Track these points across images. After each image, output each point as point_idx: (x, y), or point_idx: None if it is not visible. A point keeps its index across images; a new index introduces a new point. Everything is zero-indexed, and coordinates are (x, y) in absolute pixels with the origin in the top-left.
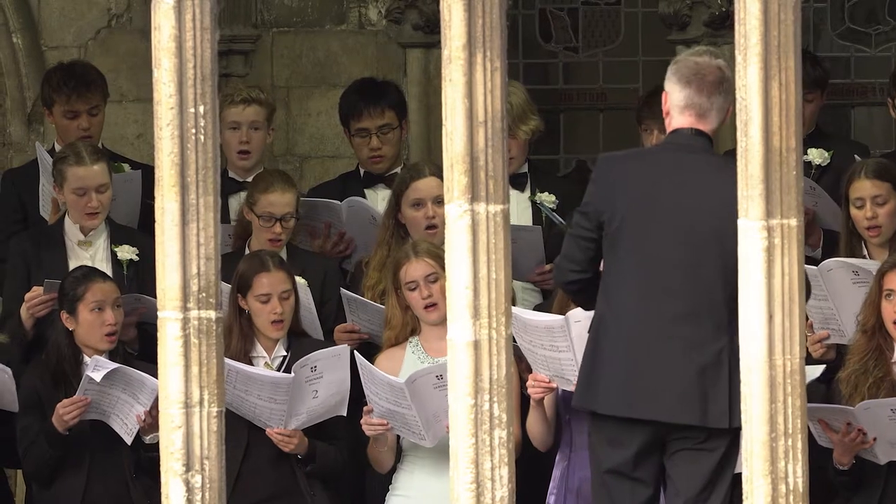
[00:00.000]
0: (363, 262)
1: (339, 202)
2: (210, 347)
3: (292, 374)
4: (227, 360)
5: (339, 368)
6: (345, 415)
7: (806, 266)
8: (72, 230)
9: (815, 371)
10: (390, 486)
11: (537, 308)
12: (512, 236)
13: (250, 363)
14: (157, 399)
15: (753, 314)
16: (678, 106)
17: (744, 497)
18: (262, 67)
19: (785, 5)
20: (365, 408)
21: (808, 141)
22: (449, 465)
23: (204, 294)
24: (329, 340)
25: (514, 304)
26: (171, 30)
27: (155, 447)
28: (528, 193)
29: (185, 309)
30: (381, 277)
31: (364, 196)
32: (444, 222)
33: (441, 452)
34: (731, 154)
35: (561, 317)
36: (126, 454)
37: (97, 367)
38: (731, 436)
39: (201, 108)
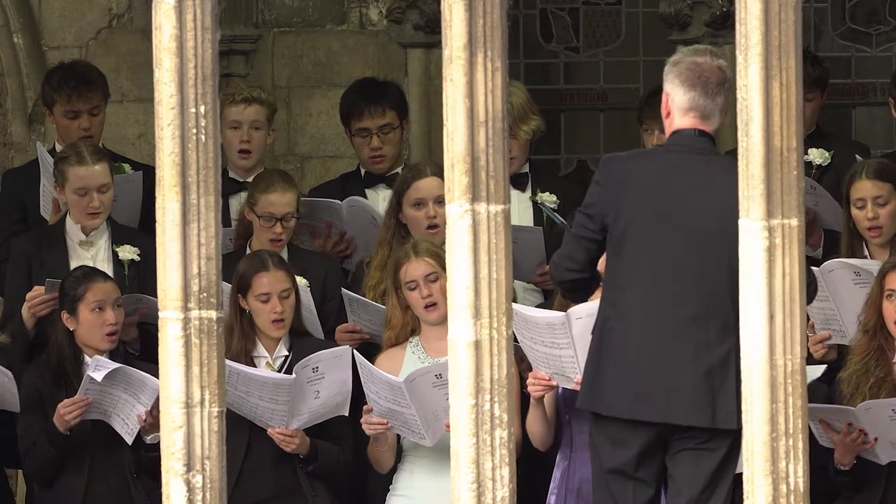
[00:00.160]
0: (364, 262)
1: (339, 201)
2: (211, 347)
3: (293, 374)
4: (228, 362)
5: (340, 369)
6: (347, 415)
7: (814, 268)
8: (73, 230)
9: (817, 371)
10: (391, 487)
11: (537, 308)
12: (513, 236)
13: (252, 363)
14: (158, 399)
15: (754, 314)
16: (682, 108)
17: (745, 497)
18: (263, 67)
19: (786, 5)
20: (365, 407)
21: (809, 141)
22: (449, 465)
23: (205, 294)
24: (330, 340)
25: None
26: (172, 30)
27: (156, 447)
28: (529, 193)
29: (185, 309)
30: (383, 277)
31: (365, 196)
32: (446, 222)
33: (441, 452)
34: (733, 154)
35: (562, 313)
36: (127, 454)
37: (98, 367)
38: (734, 436)
39: (202, 108)
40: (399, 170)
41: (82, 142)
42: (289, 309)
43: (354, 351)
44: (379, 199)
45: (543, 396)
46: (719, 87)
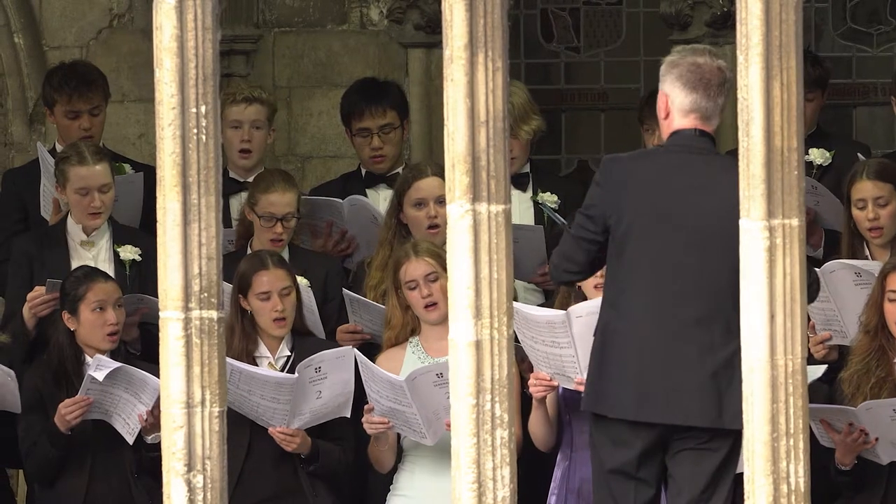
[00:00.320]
0: (365, 262)
1: (340, 200)
2: (212, 347)
3: (296, 374)
4: (230, 360)
5: (343, 370)
6: (349, 416)
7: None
8: (74, 230)
9: (817, 371)
10: (391, 486)
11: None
12: (514, 236)
13: (254, 363)
14: (159, 399)
15: (755, 314)
16: (683, 109)
17: (746, 497)
18: (264, 67)
19: (786, 5)
20: (366, 406)
21: (810, 141)
22: (449, 464)
23: (206, 294)
24: (332, 340)
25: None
26: (173, 30)
27: (157, 447)
28: (529, 193)
29: (186, 309)
30: (384, 277)
31: (365, 196)
32: (446, 222)
33: (441, 452)
34: (733, 154)
35: (562, 312)
36: (128, 454)
37: (99, 367)
38: (734, 436)
39: (203, 108)
40: (400, 170)
41: (83, 142)
42: (290, 307)
43: (356, 350)
44: (379, 199)
45: (545, 397)
46: (720, 88)
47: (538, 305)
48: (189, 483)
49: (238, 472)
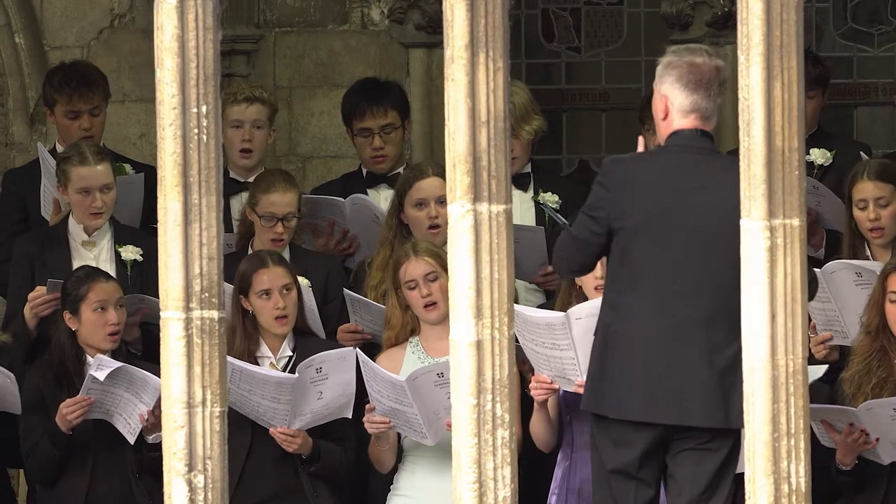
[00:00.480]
0: (366, 262)
1: (342, 199)
2: (213, 347)
3: (297, 374)
4: (232, 360)
5: (344, 370)
6: (350, 416)
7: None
8: (76, 230)
9: (818, 371)
10: (391, 487)
11: (539, 308)
12: (515, 236)
13: (256, 364)
14: (160, 398)
15: (756, 314)
16: (683, 110)
17: (746, 497)
18: (265, 67)
19: (787, 5)
20: (367, 406)
21: (811, 141)
22: (450, 464)
23: (207, 294)
24: (332, 340)
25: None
26: (174, 29)
27: (158, 447)
28: (531, 193)
29: (187, 309)
30: (384, 277)
31: (366, 196)
32: (447, 222)
33: (442, 452)
34: (735, 153)
35: (561, 314)
36: (129, 454)
37: (100, 367)
38: (735, 436)
39: (204, 108)
40: (401, 170)
41: (85, 142)
42: (291, 305)
43: (358, 350)
44: (381, 199)
45: (547, 400)
46: (720, 88)
47: (539, 306)
48: (190, 483)
49: (239, 472)
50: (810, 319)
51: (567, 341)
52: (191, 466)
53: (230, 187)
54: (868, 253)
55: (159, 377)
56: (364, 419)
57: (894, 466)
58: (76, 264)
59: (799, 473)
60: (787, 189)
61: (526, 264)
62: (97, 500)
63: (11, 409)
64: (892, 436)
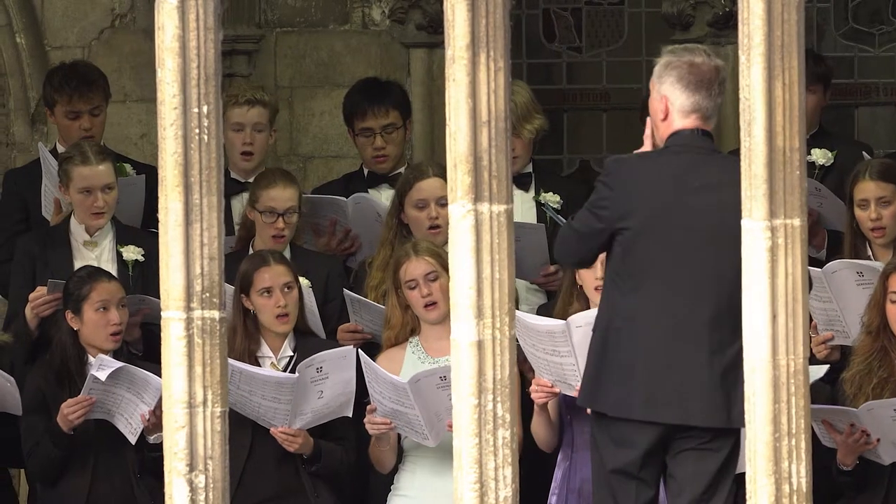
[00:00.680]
0: (366, 262)
1: (344, 199)
2: (214, 347)
3: (297, 374)
4: (231, 361)
5: (345, 369)
6: (350, 416)
7: (817, 269)
8: (77, 230)
9: (819, 371)
10: (392, 487)
11: (541, 308)
12: (516, 234)
13: (256, 363)
14: (161, 399)
15: (757, 314)
16: (684, 110)
17: (748, 497)
18: (266, 67)
19: (788, 5)
20: (368, 407)
21: (812, 141)
22: (451, 464)
23: (207, 294)
24: (333, 340)
25: (517, 304)
26: (175, 30)
27: (159, 447)
28: (532, 193)
29: (188, 309)
30: (385, 277)
31: None
32: (448, 223)
33: (443, 452)
34: (737, 153)
35: (562, 322)
36: (130, 454)
37: (102, 367)
38: (735, 435)
39: (205, 108)
40: (402, 170)
41: (86, 141)
42: (292, 303)
43: (360, 351)
44: (382, 199)
45: (547, 403)
46: (720, 87)
47: (540, 306)
48: (191, 483)
49: (240, 472)
50: (811, 319)
51: (567, 348)
52: (192, 466)
53: (231, 188)
54: (870, 253)
55: (160, 377)
56: (365, 420)
57: (895, 467)
58: (78, 264)
59: (800, 473)
60: (789, 189)
61: (527, 262)
62: (98, 500)
63: (12, 410)
64: (893, 436)
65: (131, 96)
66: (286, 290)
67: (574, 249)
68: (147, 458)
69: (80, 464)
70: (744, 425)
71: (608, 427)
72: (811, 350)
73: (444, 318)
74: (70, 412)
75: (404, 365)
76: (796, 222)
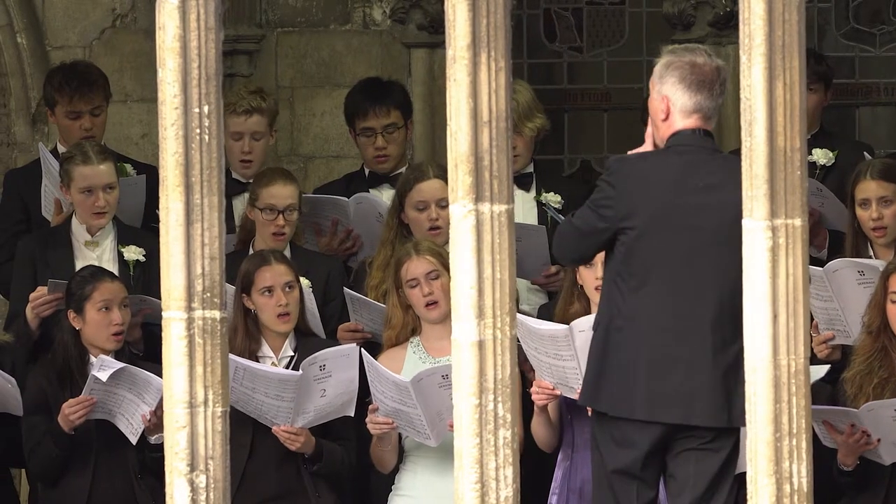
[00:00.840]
0: (367, 262)
1: (346, 199)
2: (214, 347)
3: (300, 371)
4: (235, 357)
5: (347, 368)
6: (352, 415)
7: (817, 268)
8: (78, 230)
9: (820, 371)
10: (393, 487)
11: (541, 308)
12: (517, 234)
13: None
14: (162, 399)
15: (758, 314)
16: (685, 110)
17: (749, 497)
18: (267, 67)
19: (789, 5)
20: (370, 406)
21: (813, 141)
22: (452, 464)
23: (208, 294)
24: (333, 340)
25: (518, 304)
26: (176, 30)
27: (160, 447)
28: (533, 193)
29: (189, 309)
30: (385, 277)
31: None
32: (448, 224)
33: (444, 452)
34: (738, 153)
35: (565, 326)
36: (131, 454)
37: (103, 367)
38: (736, 435)
39: (206, 108)
40: (403, 170)
41: (88, 141)
42: (293, 302)
43: (362, 350)
44: (383, 199)
45: (547, 404)
46: (722, 88)
47: (540, 306)
48: (192, 483)
49: (241, 472)
50: (812, 318)
51: (570, 352)
52: (192, 466)
53: (232, 188)
54: (871, 253)
55: (161, 377)
56: (367, 420)
57: (895, 467)
58: (79, 265)
59: (801, 473)
60: (790, 189)
61: (528, 262)
62: (99, 499)
63: (13, 411)
64: (894, 436)
65: (132, 96)
66: (287, 289)
67: (574, 247)
68: (148, 458)
69: (81, 464)
70: (744, 424)
71: (609, 427)
72: (812, 349)
73: (445, 318)
74: (71, 412)
75: (405, 365)
76: (797, 222)
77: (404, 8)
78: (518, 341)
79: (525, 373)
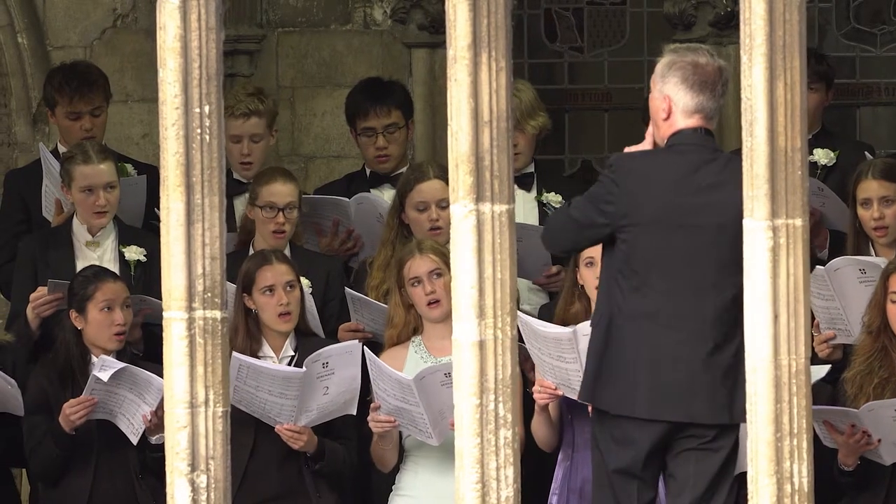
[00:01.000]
0: (367, 262)
1: (347, 199)
2: (215, 347)
3: (304, 368)
4: (238, 355)
5: (350, 365)
6: (354, 414)
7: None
8: (79, 230)
9: (821, 371)
10: (394, 486)
11: (542, 308)
12: (518, 234)
13: None
14: (163, 399)
15: (759, 314)
16: (687, 110)
17: (749, 497)
18: (268, 67)
19: (790, 5)
20: (372, 404)
21: (814, 141)
22: (452, 464)
23: (209, 294)
24: (333, 340)
25: (519, 305)
26: (177, 30)
27: (161, 447)
28: (534, 193)
29: (190, 309)
30: (385, 277)
31: None
32: (448, 225)
33: (445, 452)
34: (739, 153)
35: (569, 329)
36: (132, 454)
37: (104, 367)
38: (736, 432)
39: (206, 108)
40: (404, 170)
41: (88, 141)
42: (294, 302)
43: (365, 348)
44: (383, 200)
45: (549, 404)
46: (724, 88)
47: (541, 306)
48: (192, 483)
49: (242, 472)
50: (814, 318)
51: (573, 355)
52: (193, 466)
53: (233, 188)
54: (872, 252)
55: (162, 378)
56: (369, 418)
57: None
58: (80, 265)
59: (802, 473)
60: (790, 189)
61: (529, 262)
62: (100, 499)
63: (14, 411)
64: (894, 436)
65: (133, 96)
66: (288, 288)
67: (569, 237)
68: (149, 458)
69: (81, 464)
70: (745, 421)
71: (609, 426)
72: (813, 349)
73: (447, 317)
74: (72, 412)
75: (406, 364)
76: (798, 222)
77: (405, 8)
78: (519, 341)
79: (525, 372)
